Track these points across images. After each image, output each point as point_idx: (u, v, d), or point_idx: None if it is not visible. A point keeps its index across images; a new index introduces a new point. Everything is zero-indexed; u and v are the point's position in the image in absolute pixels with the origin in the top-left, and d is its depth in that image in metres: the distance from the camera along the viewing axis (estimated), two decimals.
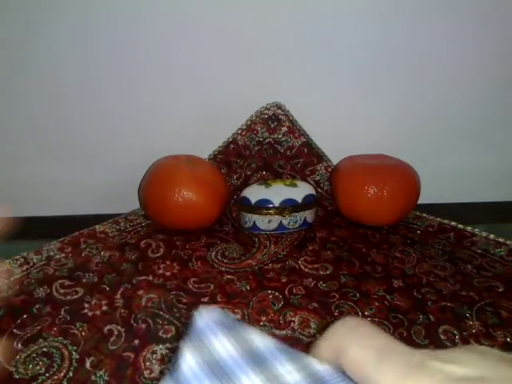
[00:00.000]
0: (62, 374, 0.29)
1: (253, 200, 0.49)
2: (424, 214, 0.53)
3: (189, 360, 0.18)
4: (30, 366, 0.30)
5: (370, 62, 0.53)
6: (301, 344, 0.32)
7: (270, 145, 0.55)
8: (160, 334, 0.33)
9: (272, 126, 0.55)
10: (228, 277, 0.41)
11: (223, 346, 0.18)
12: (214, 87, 0.53)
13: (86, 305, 0.36)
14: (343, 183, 0.50)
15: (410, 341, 0.33)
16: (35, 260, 0.42)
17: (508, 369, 0.16)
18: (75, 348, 0.32)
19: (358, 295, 0.38)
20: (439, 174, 0.58)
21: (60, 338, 0.32)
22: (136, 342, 0.32)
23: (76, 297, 0.38)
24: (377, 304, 0.37)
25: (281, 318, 0.35)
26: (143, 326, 0.34)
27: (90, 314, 0.35)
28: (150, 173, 0.49)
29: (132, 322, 0.35)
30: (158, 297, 0.38)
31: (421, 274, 0.42)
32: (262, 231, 0.49)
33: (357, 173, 0.49)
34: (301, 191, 0.49)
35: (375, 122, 0.57)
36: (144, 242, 0.47)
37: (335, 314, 0.36)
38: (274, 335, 0.33)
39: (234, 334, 0.19)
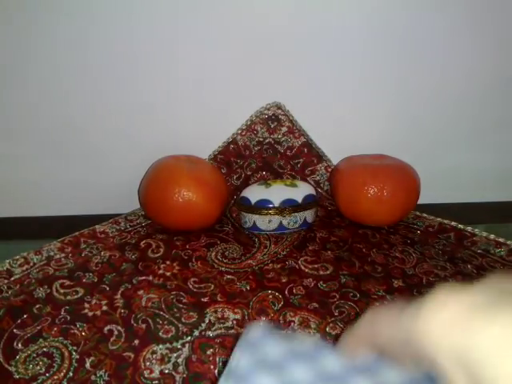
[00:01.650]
0: (62, 374, 0.29)
1: (253, 200, 0.49)
2: (424, 214, 0.53)
3: (242, 360, 0.21)
4: (30, 366, 0.30)
5: (370, 62, 0.53)
6: None
7: (269, 145, 0.55)
8: (160, 334, 0.33)
9: (272, 126, 0.55)
10: (228, 277, 0.41)
11: (274, 349, 0.22)
12: (215, 87, 0.53)
13: (86, 305, 0.36)
14: (343, 183, 0.50)
15: None
16: (35, 260, 0.42)
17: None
18: (75, 348, 0.32)
19: (358, 295, 0.38)
20: (439, 173, 0.58)
21: (60, 338, 0.32)
22: (136, 342, 0.32)
23: (76, 297, 0.38)
24: (377, 304, 0.37)
25: (281, 318, 0.35)
26: (143, 326, 0.34)
27: (90, 314, 0.35)
28: (150, 173, 0.49)
29: (132, 322, 0.35)
30: (158, 297, 0.38)
31: (421, 273, 0.42)
32: (262, 231, 0.49)
33: (357, 173, 0.49)
34: (301, 191, 0.49)
35: (375, 123, 0.57)
36: (144, 242, 0.47)
37: (335, 313, 0.36)
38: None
39: (284, 340, 0.23)
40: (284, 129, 0.55)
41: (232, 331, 0.33)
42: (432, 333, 0.17)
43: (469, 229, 0.49)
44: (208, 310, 0.36)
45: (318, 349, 0.23)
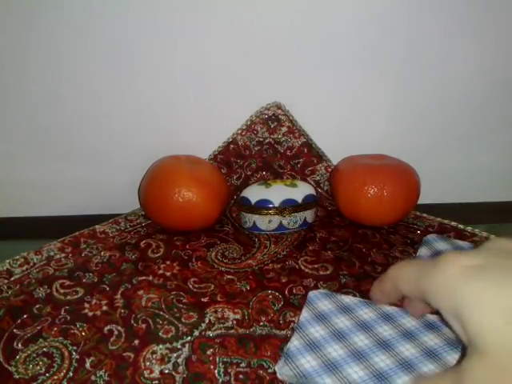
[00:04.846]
0: (62, 374, 0.29)
1: (253, 200, 0.49)
2: (424, 214, 0.53)
3: (305, 314, 0.34)
4: (30, 366, 0.30)
5: (370, 61, 0.53)
6: None
7: (269, 145, 0.55)
8: (160, 334, 0.33)
9: (272, 126, 0.55)
10: (228, 277, 0.41)
11: (324, 305, 0.35)
12: (214, 87, 0.53)
13: (86, 305, 0.36)
14: (343, 183, 0.50)
15: None
16: (35, 260, 0.42)
17: (506, 260, 0.21)
18: (75, 348, 0.32)
19: (358, 295, 0.38)
20: (439, 173, 0.58)
21: (60, 338, 0.32)
22: (136, 342, 0.32)
23: (76, 297, 0.38)
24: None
25: (281, 318, 0.35)
26: (143, 326, 0.34)
27: (90, 314, 0.35)
28: (150, 173, 0.49)
29: (132, 321, 0.35)
30: (158, 297, 0.38)
31: None
32: (262, 231, 0.49)
33: (357, 173, 0.49)
34: (301, 191, 0.49)
35: (375, 122, 0.57)
36: (144, 242, 0.47)
37: None
38: (274, 335, 0.33)
39: (332, 299, 0.36)
40: (284, 129, 0.55)
41: (232, 331, 0.34)
42: (434, 292, 0.22)
43: (469, 229, 0.49)
44: (208, 310, 0.36)
45: (356, 303, 0.35)
